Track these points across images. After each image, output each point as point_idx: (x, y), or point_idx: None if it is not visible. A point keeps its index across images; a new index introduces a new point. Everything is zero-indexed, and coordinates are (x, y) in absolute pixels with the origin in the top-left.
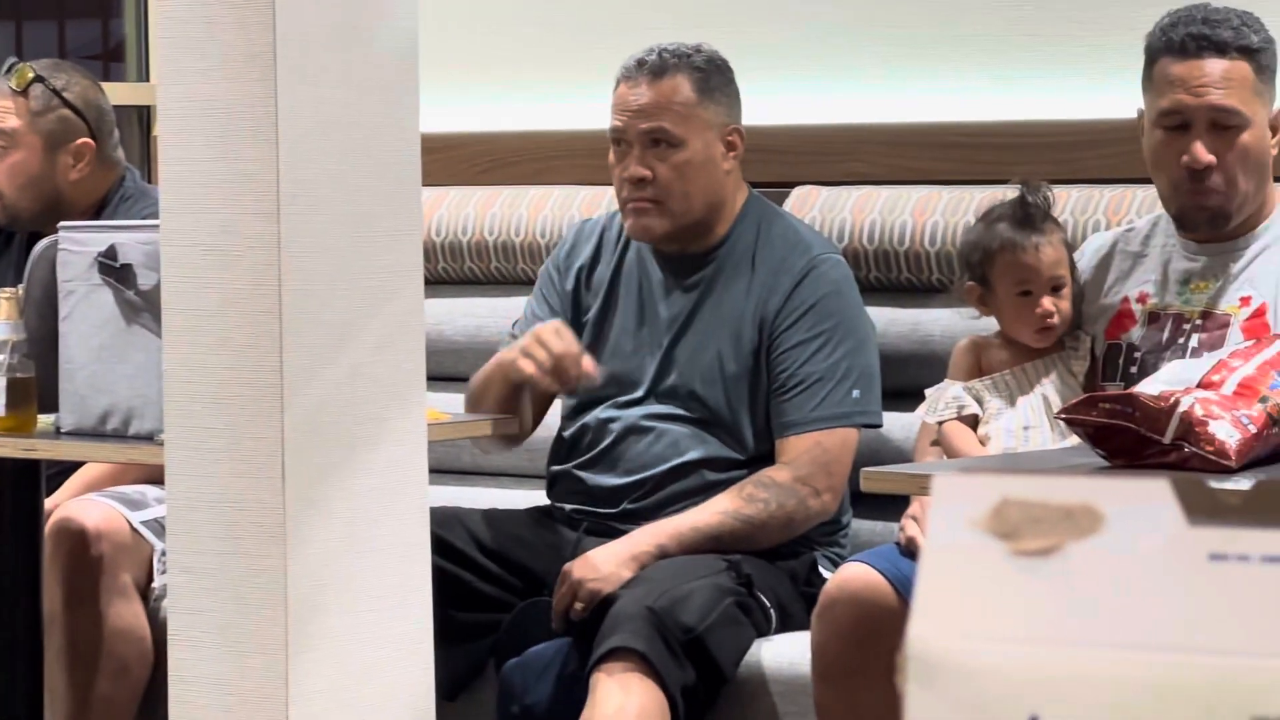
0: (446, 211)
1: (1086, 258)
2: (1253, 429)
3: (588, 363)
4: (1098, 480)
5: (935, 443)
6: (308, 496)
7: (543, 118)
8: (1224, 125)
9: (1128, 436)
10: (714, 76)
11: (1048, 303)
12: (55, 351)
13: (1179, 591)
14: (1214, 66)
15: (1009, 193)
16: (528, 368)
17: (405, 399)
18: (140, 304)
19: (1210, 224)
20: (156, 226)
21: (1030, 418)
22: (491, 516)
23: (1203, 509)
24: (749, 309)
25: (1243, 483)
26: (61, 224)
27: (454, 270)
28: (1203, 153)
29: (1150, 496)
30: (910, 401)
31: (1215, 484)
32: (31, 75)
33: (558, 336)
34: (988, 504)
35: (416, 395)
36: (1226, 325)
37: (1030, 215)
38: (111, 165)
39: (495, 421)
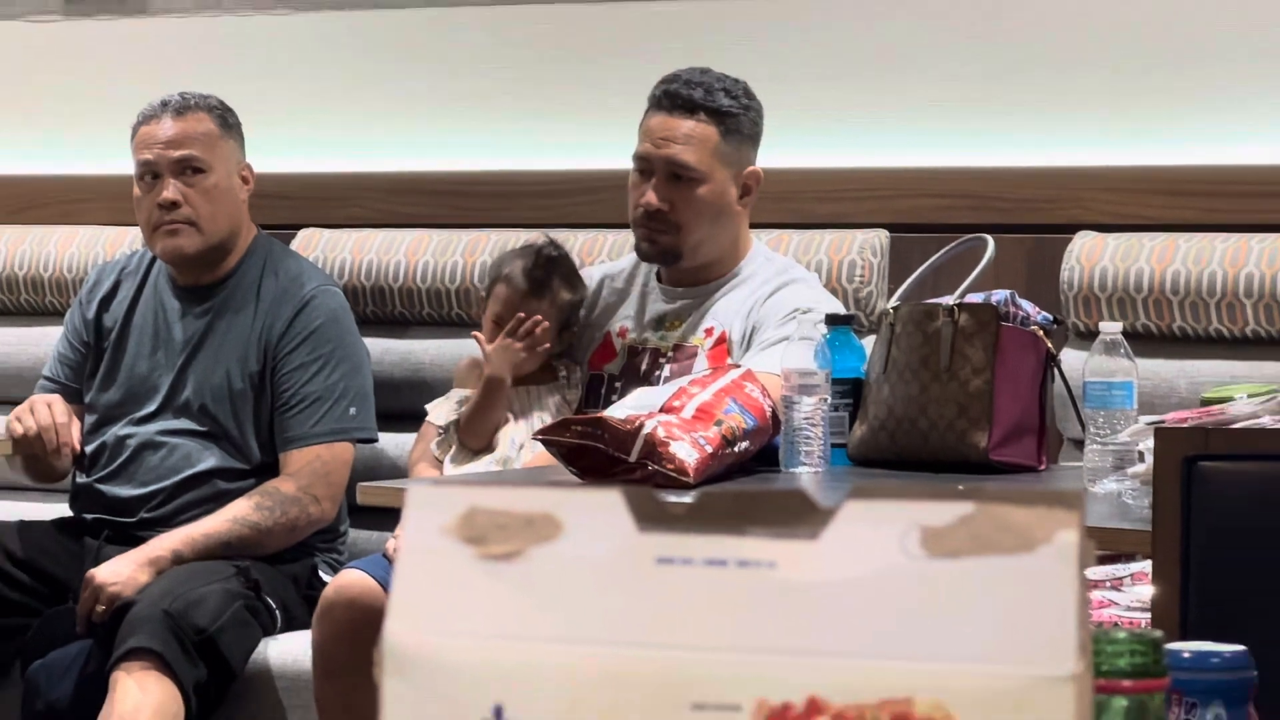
0: None
1: (594, 301)
2: (709, 449)
3: (70, 435)
4: (558, 491)
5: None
6: None
7: (70, 162)
8: (679, 176)
9: (598, 456)
10: (229, 116)
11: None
12: None
13: (629, 592)
14: (680, 124)
15: (493, 235)
16: (15, 430)
17: None
18: None
19: (659, 258)
20: None
21: (525, 437)
22: (19, 527)
23: (651, 517)
24: (254, 334)
25: (687, 495)
26: None
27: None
28: (652, 197)
29: (604, 506)
30: (403, 422)
31: (664, 496)
32: None
33: (46, 410)
34: (458, 512)
35: None
36: (694, 355)
37: (535, 266)
38: None
39: (15, 441)
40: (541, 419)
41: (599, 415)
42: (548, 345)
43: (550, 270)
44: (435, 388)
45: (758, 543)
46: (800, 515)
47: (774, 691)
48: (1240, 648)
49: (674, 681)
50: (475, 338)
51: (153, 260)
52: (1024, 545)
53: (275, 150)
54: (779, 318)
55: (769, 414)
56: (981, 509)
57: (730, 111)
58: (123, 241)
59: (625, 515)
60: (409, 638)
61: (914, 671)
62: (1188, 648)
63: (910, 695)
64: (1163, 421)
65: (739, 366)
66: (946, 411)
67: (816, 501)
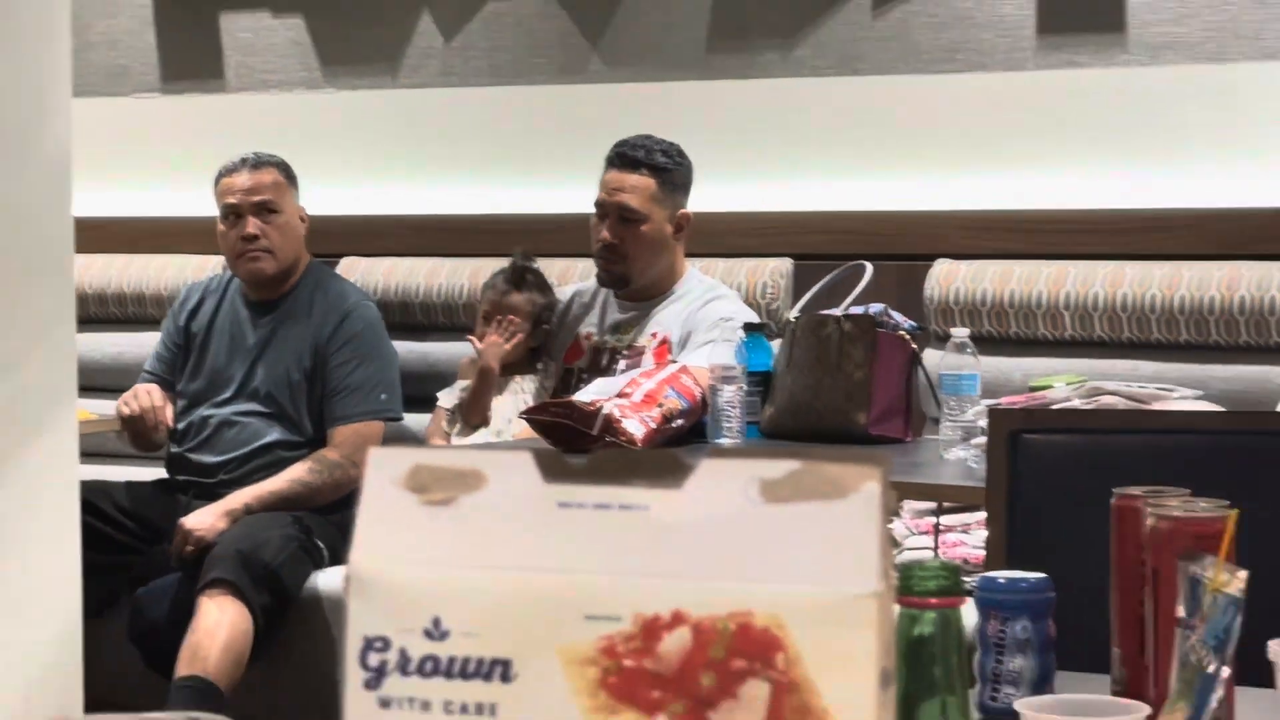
0: (97, 272)
1: (564, 312)
2: (653, 425)
3: (165, 415)
4: (483, 453)
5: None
6: None
7: (166, 206)
8: (626, 218)
9: (568, 430)
10: (290, 171)
11: (493, 333)
12: None
13: (536, 529)
14: (627, 177)
15: (491, 263)
16: (123, 411)
17: (61, 402)
18: None
19: (613, 284)
20: None
21: (512, 414)
22: (126, 486)
23: (555, 472)
24: (308, 338)
25: (584, 456)
26: None
27: (102, 312)
28: (606, 235)
29: (518, 464)
30: (422, 405)
31: (566, 456)
32: None
33: (148, 396)
34: (406, 468)
35: (69, 400)
36: (642, 353)
37: (512, 272)
38: None
39: (123, 420)
40: (526, 401)
41: (569, 400)
42: (521, 337)
43: (524, 276)
44: (447, 379)
45: (636, 491)
46: (669, 470)
47: (647, 606)
48: (1042, 575)
49: (571, 598)
50: (470, 340)
51: (229, 281)
52: (838, 493)
53: (324, 196)
54: (707, 325)
55: (699, 398)
56: (806, 466)
57: (665, 167)
58: (205, 267)
59: (534, 470)
60: (368, 566)
61: (754, 591)
62: (1003, 575)
63: (752, 609)
64: (998, 404)
65: (676, 362)
66: (835, 397)
67: (682, 460)
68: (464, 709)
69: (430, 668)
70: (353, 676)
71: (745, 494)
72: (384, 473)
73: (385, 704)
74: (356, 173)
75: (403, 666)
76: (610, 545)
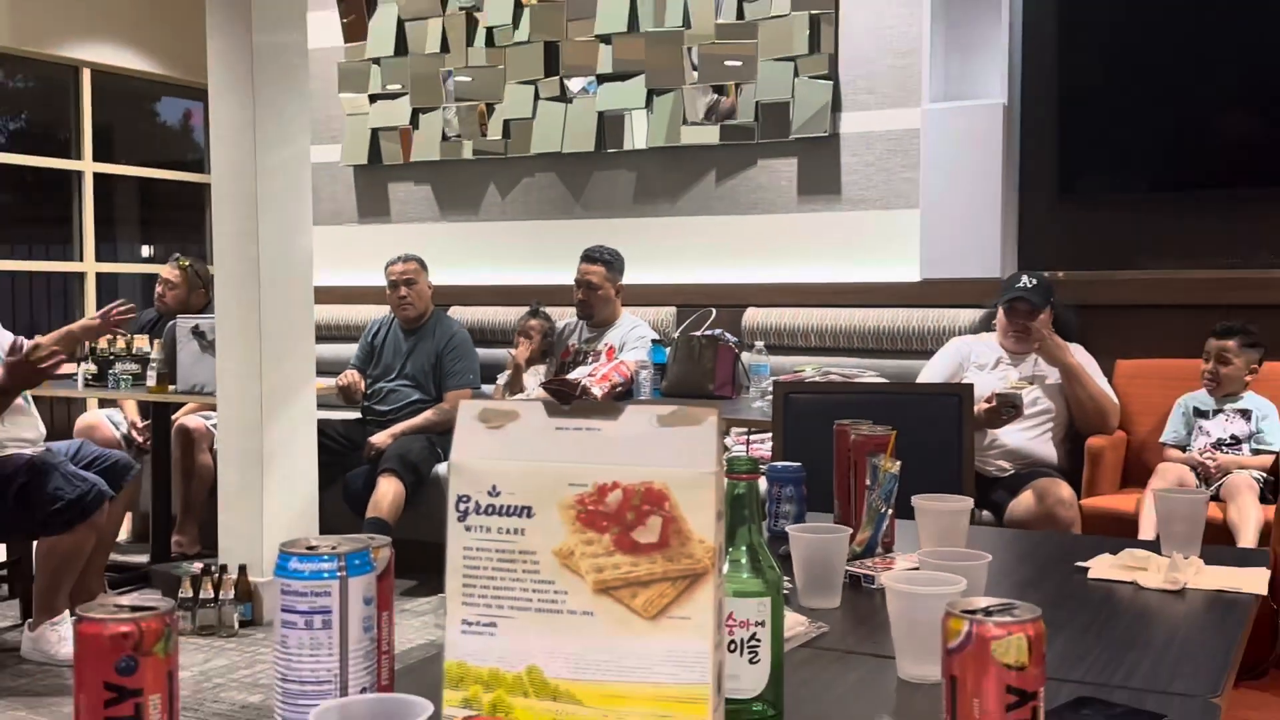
0: (326, 312)
1: (560, 333)
2: (607, 389)
3: (361, 386)
4: (519, 403)
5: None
6: (273, 415)
7: (362, 280)
8: (590, 287)
9: (564, 394)
10: (423, 261)
11: (523, 344)
12: (174, 363)
13: (545, 441)
14: (591, 266)
15: (524, 309)
16: (339, 383)
17: (307, 379)
18: (206, 344)
19: (585, 319)
20: (212, 316)
21: (534, 385)
22: (342, 421)
23: (554, 412)
24: (433, 347)
25: (570, 405)
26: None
27: (328, 333)
28: (580, 295)
29: (535, 407)
30: (489, 381)
31: (561, 404)
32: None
33: (352, 375)
34: (478, 410)
35: (310, 377)
36: (600, 355)
37: (533, 311)
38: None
39: (339, 388)
40: (540, 378)
41: (563, 377)
42: (537, 346)
43: (538, 313)
44: (502, 368)
45: (595, 421)
46: (613, 411)
47: (600, 478)
48: (799, 464)
49: (562, 474)
50: (510, 353)
51: (393, 319)
52: (696, 422)
53: (441, 275)
54: (634, 340)
55: (630, 376)
56: (680, 408)
57: (610, 261)
58: (380, 311)
59: (543, 411)
60: (460, 459)
61: (654, 471)
62: (780, 464)
63: (653, 480)
64: (779, 379)
65: (619, 359)
66: (697, 376)
67: (620, 405)
68: (507, 531)
69: (490, 510)
70: (452, 515)
71: (650, 422)
72: (468, 413)
73: (468, 529)
74: (457, 263)
75: (476, 510)
76: (582, 448)
